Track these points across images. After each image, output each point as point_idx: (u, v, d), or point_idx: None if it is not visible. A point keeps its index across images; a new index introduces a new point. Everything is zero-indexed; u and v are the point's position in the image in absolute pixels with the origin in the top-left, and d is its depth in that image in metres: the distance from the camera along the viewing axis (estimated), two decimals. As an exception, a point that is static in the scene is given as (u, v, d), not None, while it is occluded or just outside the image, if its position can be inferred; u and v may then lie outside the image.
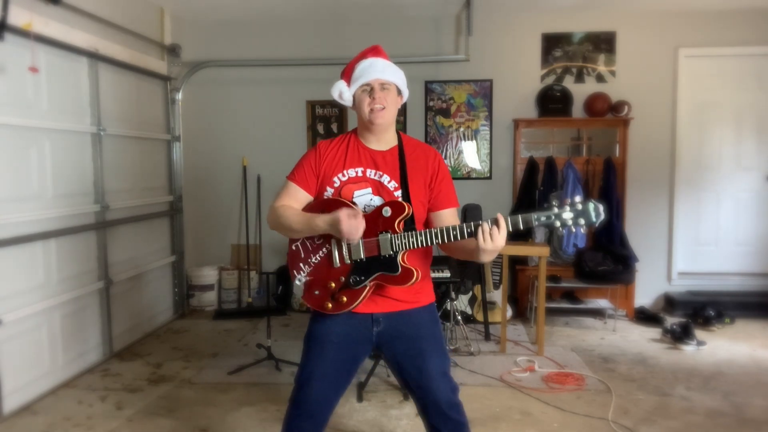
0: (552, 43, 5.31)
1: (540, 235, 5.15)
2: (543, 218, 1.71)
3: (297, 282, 2.01)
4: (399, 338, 1.96)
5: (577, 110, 5.28)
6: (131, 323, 4.49)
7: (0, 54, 3.14)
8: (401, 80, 1.98)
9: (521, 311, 5.15)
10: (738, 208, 5.36)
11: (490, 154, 5.41)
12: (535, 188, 5.17)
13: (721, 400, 3.36)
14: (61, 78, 3.67)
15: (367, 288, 1.87)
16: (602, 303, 5.09)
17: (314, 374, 1.95)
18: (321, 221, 1.85)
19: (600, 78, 5.30)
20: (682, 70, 5.22)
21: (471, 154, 5.43)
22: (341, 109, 5.44)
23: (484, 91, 5.37)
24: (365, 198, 1.93)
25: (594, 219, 1.70)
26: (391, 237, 1.82)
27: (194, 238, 5.60)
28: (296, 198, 1.99)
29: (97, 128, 4.01)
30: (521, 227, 1.71)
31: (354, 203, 1.91)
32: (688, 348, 4.24)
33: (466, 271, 4.88)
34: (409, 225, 1.86)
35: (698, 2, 5.00)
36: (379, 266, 1.84)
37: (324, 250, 1.94)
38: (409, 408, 3.25)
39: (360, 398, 3.37)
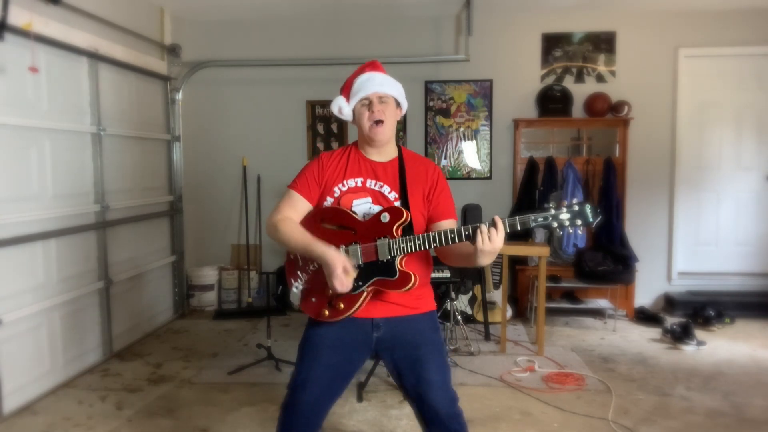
0: (552, 43, 5.31)
1: (540, 235, 5.15)
2: (540, 219, 1.72)
3: (294, 290, 2.00)
4: (399, 344, 1.94)
5: (577, 110, 5.28)
6: (131, 323, 4.49)
7: (0, 54, 3.14)
8: (399, 93, 2.00)
9: (521, 311, 5.15)
10: (738, 208, 5.36)
11: (490, 154, 5.41)
12: (535, 188, 5.17)
13: (721, 400, 3.36)
14: (61, 78, 3.67)
15: (365, 294, 1.86)
16: (602, 303, 5.09)
17: (308, 379, 1.94)
18: (319, 251, 1.83)
19: (600, 78, 5.30)
20: (682, 70, 5.22)
21: (471, 154, 5.43)
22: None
23: (484, 91, 5.37)
24: (365, 206, 1.93)
25: (591, 219, 1.70)
26: (389, 242, 1.82)
27: (194, 238, 5.60)
28: (297, 208, 1.98)
29: (97, 128, 4.01)
30: (519, 228, 1.72)
31: (353, 212, 1.91)
32: (688, 348, 4.24)
33: (466, 271, 4.88)
34: (408, 232, 1.86)
35: (698, 2, 5.00)
36: (376, 271, 1.84)
37: None
38: (409, 408, 3.23)
39: (360, 398, 3.37)
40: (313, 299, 1.94)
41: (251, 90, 5.52)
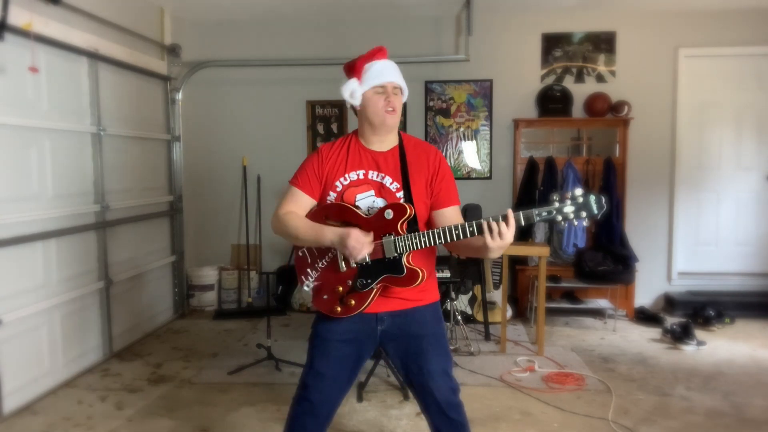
0: (552, 43, 5.31)
1: (540, 234, 5.15)
2: (544, 213, 1.70)
3: (305, 288, 2.02)
4: (402, 336, 1.97)
5: (577, 110, 5.28)
6: (131, 323, 4.49)
7: (0, 54, 3.14)
8: (404, 83, 2.02)
9: (521, 311, 5.15)
10: (738, 208, 5.36)
11: (490, 154, 5.42)
12: (535, 188, 5.17)
13: (721, 400, 3.36)
14: (61, 78, 3.67)
15: (375, 291, 1.88)
16: (602, 303, 5.09)
17: (319, 373, 1.97)
18: (330, 233, 1.85)
19: (600, 78, 5.30)
20: (682, 70, 5.22)
21: (471, 154, 5.43)
22: (341, 109, 5.44)
23: (484, 91, 5.37)
24: (368, 200, 1.94)
25: (596, 211, 1.67)
26: (395, 239, 1.83)
27: (194, 238, 5.60)
28: (300, 204, 1.99)
29: (97, 128, 4.00)
30: (523, 223, 1.71)
31: (357, 206, 1.91)
32: (688, 348, 4.24)
33: (466, 271, 4.88)
34: (412, 226, 1.86)
35: (698, 2, 5.00)
36: (384, 268, 1.85)
37: (330, 254, 1.96)
38: (409, 408, 3.25)
39: (360, 398, 3.37)
40: (325, 296, 1.96)
41: (251, 90, 5.52)
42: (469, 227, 1.74)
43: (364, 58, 1.97)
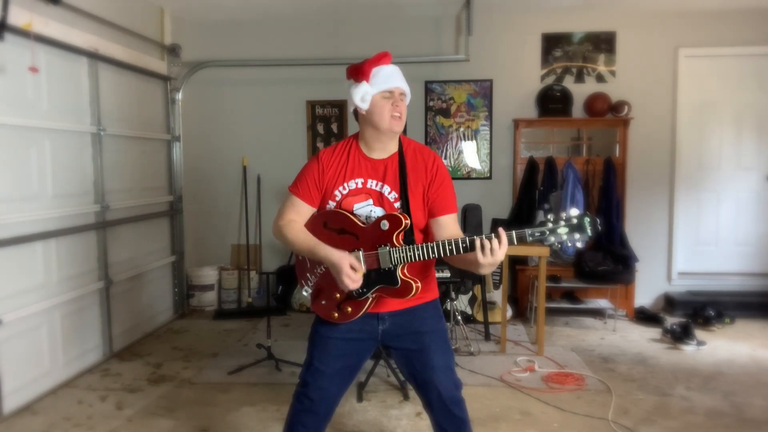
0: (552, 43, 5.31)
1: (540, 235, 5.14)
2: (537, 234, 1.73)
3: (304, 293, 2.04)
4: (404, 334, 1.99)
5: (577, 110, 5.28)
6: (131, 323, 4.49)
7: (0, 54, 3.14)
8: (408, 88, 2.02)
9: (521, 311, 5.15)
10: (738, 208, 5.36)
11: (490, 154, 5.41)
12: (535, 188, 5.17)
13: (721, 400, 3.36)
14: (61, 78, 3.67)
15: (370, 300, 1.90)
16: (602, 303, 5.09)
17: (319, 371, 1.98)
18: (324, 255, 1.87)
19: (600, 78, 5.30)
20: (682, 70, 5.22)
21: (471, 154, 5.43)
22: (341, 109, 5.44)
23: (484, 91, 5.37)
24: (366, 210, 1.94)
25: (590, 233, 1.71)
26: (390, 250, 1.83)
27: (194, 238, 5.60)
28: (300, 212, 2.00)
29: (97, 128, 4.01)
30: (515, 243, 1.73)
31: (355, 215, 1.92)
32: (688, 348, 4.24)
33: (466, 272, 4.86)
34: (409, 236, 1.87)
35: (698, 2, 5.00)
36: (379, 279, 1.86)
37: None
38: (409, 408, 3.25)
39: (360, 398, 3.37)
40: (323, 302, 1.98)
41: (251, 90, 5.52)
42: (462, 243, 1.75)
43: (372, 62, 1.94)
